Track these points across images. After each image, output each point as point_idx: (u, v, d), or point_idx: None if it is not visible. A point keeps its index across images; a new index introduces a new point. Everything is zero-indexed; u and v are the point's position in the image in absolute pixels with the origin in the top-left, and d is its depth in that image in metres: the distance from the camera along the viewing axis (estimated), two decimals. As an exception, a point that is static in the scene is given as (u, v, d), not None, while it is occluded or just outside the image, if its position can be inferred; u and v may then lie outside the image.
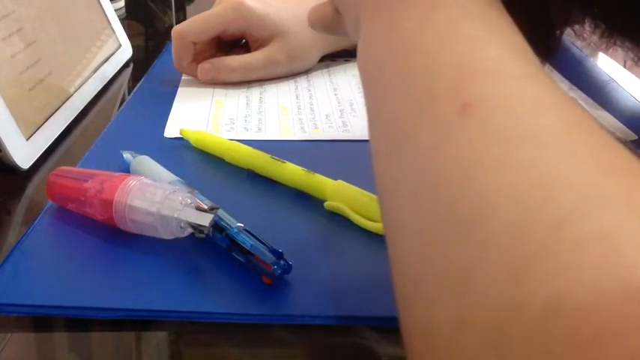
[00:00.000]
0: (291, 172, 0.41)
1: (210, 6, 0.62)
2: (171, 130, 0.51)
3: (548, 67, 0.57)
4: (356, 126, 0.52)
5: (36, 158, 0.46)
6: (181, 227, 0.33)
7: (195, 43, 0.60)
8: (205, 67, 0.60)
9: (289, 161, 0.42)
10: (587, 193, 0.17)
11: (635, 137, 0.49)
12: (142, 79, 0.63)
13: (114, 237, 0.35)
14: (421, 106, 0.21)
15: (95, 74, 0.60)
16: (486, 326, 0.16)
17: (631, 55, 0.34)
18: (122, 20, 0.73)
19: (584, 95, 0.56)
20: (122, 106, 0.57)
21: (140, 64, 0.70)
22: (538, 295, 0.15)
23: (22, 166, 0.44)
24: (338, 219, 0.38)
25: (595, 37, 0.32)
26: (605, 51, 0.34)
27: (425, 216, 0.20)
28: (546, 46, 0.36)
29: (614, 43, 0.32)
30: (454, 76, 0.21)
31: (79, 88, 0.56)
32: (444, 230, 0.19)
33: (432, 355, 0.18)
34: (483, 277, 0.17)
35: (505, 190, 0.18)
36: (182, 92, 0.59)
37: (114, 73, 0.64)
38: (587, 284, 0.15)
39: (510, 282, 0.16)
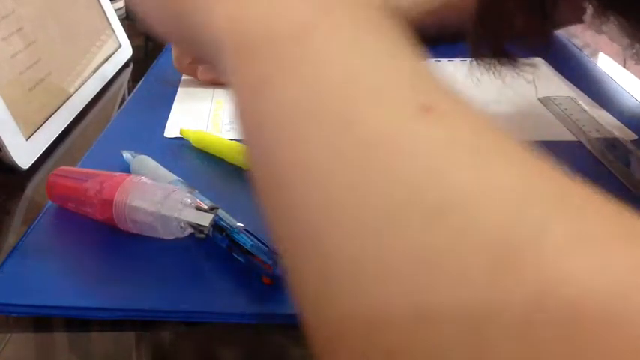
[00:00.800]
0: (291, 172, 0.41)
1: (210, 6, 0.61)
2: (171, 130, 0.51)
3: (548, 67, 0.57)
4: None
5: (36, 158, 0.46)
6: (181, 227, 0.33)
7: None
8: (205, 67, 0.60)
9: (289, 161, 0.42)
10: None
11: (635, 137, 0.49)
12: (142, 79, 0.63)
13: (114, 237, 0.35)
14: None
15: (95, 74, 0.60)
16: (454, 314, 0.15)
17: (626, 37, 0.34)
18: (122, 20, 0.73)
19: (584, 95, 0.57)
20: (122, 106, 0.57)
21: (140, 64, 0.70)
22: (519, 293, 0.15)
23: (22, 166, 0.44)
24: (338, 219, 0.38)
25: (589, 16, 0.32)
26: (600, 30, 0.35)
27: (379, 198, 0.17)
28: (542, 38, 0.36)
29: (608, 19, 0.32)
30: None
31: (79, 88, 0.56)
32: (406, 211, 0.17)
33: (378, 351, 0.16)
34: (457, 265, 0.15)
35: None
36: (182, 92, 0.59)
37: (114, 73, 0.64)
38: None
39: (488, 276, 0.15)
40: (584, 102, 0.55)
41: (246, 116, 0.21)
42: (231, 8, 0.23)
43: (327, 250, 0.17)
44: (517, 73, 0.40)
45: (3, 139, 0.43)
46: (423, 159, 0.17)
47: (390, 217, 0.16)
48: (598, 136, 0.48)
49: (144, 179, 0.35)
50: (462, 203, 0.16)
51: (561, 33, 0.70)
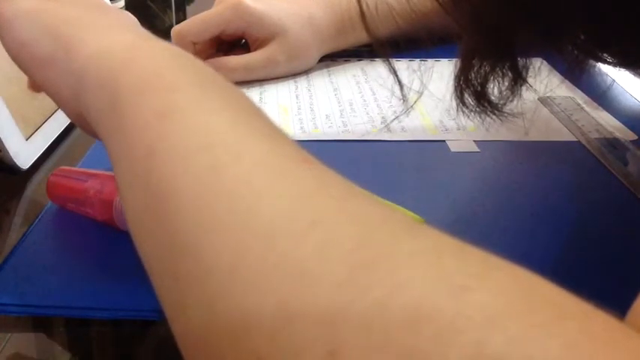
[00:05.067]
0: (291, 172, 0.41)
1: (210, 6, 0.62)
2: (171, 130, 0.51)
3: (548, 67, 0.57)
4: (356, 126, 0.52)
5: (36, 158, 0.46)
6: (181, 227, 0.33)
7: (194, 43, 0.60)
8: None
9: (289, 161, 0.42)
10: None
11: (635, 137, 0.49)
12: (142, 79, 0.63)
13: (114, 237, 0.35)
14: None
15: (95, 74, 0.60)
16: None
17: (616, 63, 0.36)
18: (122, 20, 0.73)
19: (584, 95, 0.57)
20: (122, 106, 0.57)
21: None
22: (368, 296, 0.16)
23: (22, 166, 0.44)
24: (338, 219, 0.38)
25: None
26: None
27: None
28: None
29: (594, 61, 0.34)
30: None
31: (79, 88, 0.56)
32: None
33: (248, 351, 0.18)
34: (320, 271, 0.17)
35: None
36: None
37: (114, 73, 0.64)
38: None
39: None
40: (584, 102, 0.55)
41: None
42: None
43: (208, 263, 0.19)
44: (501, 120, 0.41)
45: (3, 139, 0.43)
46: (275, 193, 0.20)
47: (264, 236, 0.19)
48: (598, 136, 0.48)
49: (144, 179, 0.35)
50: (324, 223, 0.19)
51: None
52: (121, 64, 0.27)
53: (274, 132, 0.24)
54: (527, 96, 0.43)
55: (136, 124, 0.24)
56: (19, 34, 0.33)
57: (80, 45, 0.30)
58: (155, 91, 0.25)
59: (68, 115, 0.34)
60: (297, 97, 0.58)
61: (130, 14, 0.37)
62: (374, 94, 0.58)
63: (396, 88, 0.41)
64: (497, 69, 0.37)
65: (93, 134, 0.30)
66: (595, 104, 0.55)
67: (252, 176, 0.21)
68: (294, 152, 0.23)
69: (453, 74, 0.39)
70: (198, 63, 0.28)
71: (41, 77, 0.33)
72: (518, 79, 0.38)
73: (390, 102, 0.56)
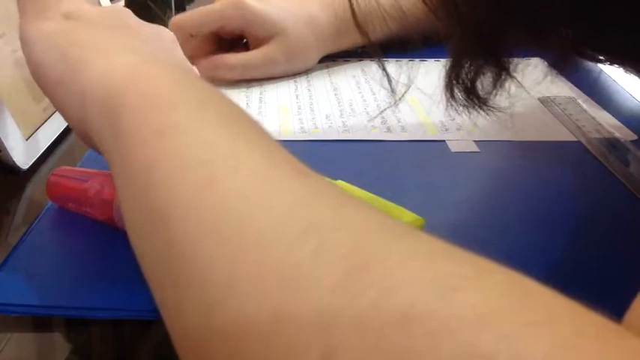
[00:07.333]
0: (291, 172, 0.41)
1: (210, 6, 0.62)
2: (171, 130, 0.50)
3: (548, 67, 0.57)
4: (356, 126, 0.52)
5: (36, 158, 0.46)
6: (181, 227, 0.33)
7: (192, 36, 0.60)
8: (204, 65, 0.60)
9: (289, 161, 0.42)
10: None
11: (635, 137, 0.49)
12: (142, 79, 0.63)
13: (114, 237, 0.35)
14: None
15: (95, 74, 0.60)
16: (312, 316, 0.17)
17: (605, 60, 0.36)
18: (122, 20, 0.73)
19: (584, 95, 0.57)
20: (122, 106, 0.57)
21: (140, 63, 0.69)
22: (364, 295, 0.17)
23: (22, 166, 0.44)
24: (338, 219, 0.38)
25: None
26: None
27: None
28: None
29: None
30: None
31: (79, 87, 0.56)
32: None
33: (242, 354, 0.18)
34: (314, 275, 0.18)
35: None
36: (182, 92, 0.59)
37: (114, 72, 0.64)
38: None
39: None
40: (584, 102, 0.55)
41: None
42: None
43: (205, 272, 0.20)
44: (489, 115, 0.41)
45: (3, 139, 0.43)
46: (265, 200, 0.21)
47: (259, 244, 0.19)
48: (598, 136, 0.48)
49: (144, 179, 0.35)
50: (319, 230, 0.19)
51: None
52: (122, 84, 0.28)
53: (271, 146, 0.24)
54: (527, 95, 0.43)
55: (135, 142, 0.25)
56: (37, 56, 0.34)
57: (85, 66, 0.31)
58: (154, 110, 0.25)
59: (78, 134, 0.34)
60: (297, 97, 0.58)
61: (166, 30, 0.37)
62: (374, 94, 0.58)
63: (385, 82, 0.42)
64: (486, 66, 0.38)
65: (101, 153, 0.30)
66: (595, 104, 0.55)
67: (247, 188, 0.21)
68: (290, 164, 0.23)
69: (442, 72, 0.39)
70: (199, 81, 0.28)
71: (53, 98, 0.34)
72: (505, 74, 0.38)
73: (390, 102, 0.56)
